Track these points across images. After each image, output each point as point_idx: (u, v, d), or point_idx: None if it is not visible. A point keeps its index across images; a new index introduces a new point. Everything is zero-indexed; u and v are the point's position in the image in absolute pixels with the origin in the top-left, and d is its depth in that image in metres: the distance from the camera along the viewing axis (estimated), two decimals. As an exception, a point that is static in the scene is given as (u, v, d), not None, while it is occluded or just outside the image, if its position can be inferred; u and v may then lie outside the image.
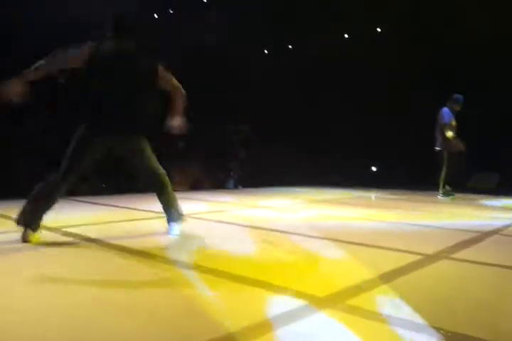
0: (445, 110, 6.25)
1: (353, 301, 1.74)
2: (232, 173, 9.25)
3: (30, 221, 2.71)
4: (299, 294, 1.80)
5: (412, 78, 7.97)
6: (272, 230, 3.36)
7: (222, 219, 3.89)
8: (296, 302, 1.71)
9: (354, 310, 1.64)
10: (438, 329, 1.48)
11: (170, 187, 3.05)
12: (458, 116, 6.30)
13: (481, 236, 3.27)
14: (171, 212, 3.08)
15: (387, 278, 2.07)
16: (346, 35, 9.40)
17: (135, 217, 3.84)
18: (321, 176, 8.92)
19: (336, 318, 1.57)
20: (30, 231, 2.70)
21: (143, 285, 1.93)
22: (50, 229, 3.17)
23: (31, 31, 6.40)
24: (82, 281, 1.96)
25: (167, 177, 3.03)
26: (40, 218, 2.75)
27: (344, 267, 2.26)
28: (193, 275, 2.07)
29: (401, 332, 1.46)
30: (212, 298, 1.75)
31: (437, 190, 6.41)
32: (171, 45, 7.68)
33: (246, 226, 3.52)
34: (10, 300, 1.71)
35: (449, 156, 6.22)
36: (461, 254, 2.65)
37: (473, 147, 6.35)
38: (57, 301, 1.70)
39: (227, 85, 9.16)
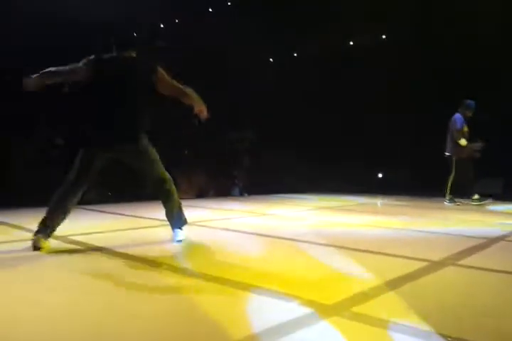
0: (457, 116, 6.22)
1: (360, 308, 1.74)
2: (237, 181, 9.25)
3: (41, 229, 2.79)
4: (305, 302, 1.81)
5: (416, 79, 7.97)
6: (277, 237, 3.36)
7: (227, 226, 3.90)
8: (302, 310, 1.72)
9: (360, 318, 1.64)
10: (445, 336, 1.48)
11: (176, 195, 3.08)
12: (470, 121, 6.29)
13: (487, 243, 3.25)
14: (175, 219, 3.10)
15: (393, 284, 2.07)
16: (351, 43, 9.44)
17: (141, 225, 3.85)
18: (327, 183, 8.92)
19: (343, 326, 1.57)
20: (42, 239, 2.76)
21: (148, 292, 1.94)
22: (57, 237, 3.19)
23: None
24: (88, 288, 1.97)
25: (173, 185, 3.06)
26: (52, 227, 2.82)
27: (350, 274, 2.26)
28: (198, 283, 2.08)
29: (408, 339, 1.46)
30: (218, 305, 1.76)
31: (444, 196, 6.39)
32: (172, 49, 7.76)
33: (252, 233, 3.53)
34: (16, 310, 1.72)
35: (459, 162, 6.19)
36: (468, 261, 2.64)
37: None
38: (64, 308, 1.71)
39: (230, 92, 9.21)
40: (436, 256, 2.70)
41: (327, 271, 2.35)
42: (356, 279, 2.16)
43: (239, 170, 9.40)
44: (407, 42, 8.16)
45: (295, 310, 1.72)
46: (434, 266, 2.48)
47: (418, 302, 1.81)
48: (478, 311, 1.75)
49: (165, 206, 3.08)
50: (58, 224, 2.85)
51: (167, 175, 3.03)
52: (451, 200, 6.31)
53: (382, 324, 1.58)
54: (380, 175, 9.46)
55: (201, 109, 2.98)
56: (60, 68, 2.88)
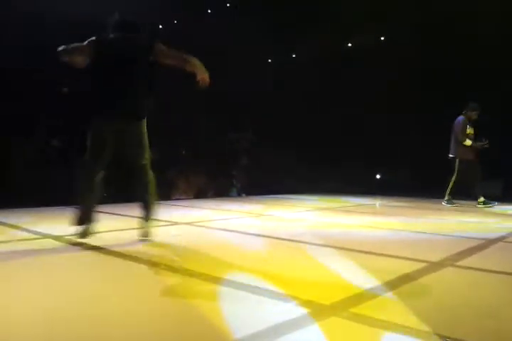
0: (460, 119, 6.23)
1: (358, 309, 1.73)
2: (235, 181, 9.24)
3: (80, 218, 2.95)
4: (303, 302, 1.79)
5: (416, 79, 7.97)
6: (276, 238, 3.34)
7: (225, 227, 3.89)
8: (300, 310, 1.70)
9: (359, 318, 1.63)
10: (444, 337, 1.46)
11: (150, 179, 3.07)
12: (476, 123, 6.27)
13: (485, 244, 3.24)
14: (147, 216, 3.07)
15: (392, 285, 2.06)
16: (350, 44, 9.43)
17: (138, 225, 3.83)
18: (326, 184, 8.91)
19: (341, 326, 1.55)
20: (84, 227, 2.93)
21: (145, 292, 1.93)
22: (55, 237, 3.18)
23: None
24: (85, 288, 1.96)
25: (150, 170, 3.07)
26: (88, 211, 2.96)
27: (349, 275, 2.24)
28: (195, 283, 2.07)
29: (406, 340, 1.45)
30: (215, 305, 1.74)
31: (443, 197, 6.38)
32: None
33: (250, 234, 3.52)
34: (11, 310, 1.71)
35: (462, 164, 6.18)
36: (467, 262, 2.63)
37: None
38: (59, 308, 1.70)
39: (230, 92, 9.20)
40: (435, 257, 2.68)
41: (325, 271, 2.33)
42: (354, 280, 2.15)
43: (237, 170, 9.40)
44: (407, 43, 8.16)
45: (293, 310, 1.70)
46: (433, 266, 2.47)
47: (417, 303, 1.80)
48: (477, 312, 1.74)
49: (137, 190, 3.07)
50: (93, 206, 2.98)
51: (147, 159, 3.05)
52: (449, 201, 6.31)
53: (381, 324, 1.56)
54: (379, 176, 9.45)
55: (203, 77, 2.98)
56: (75, 45, 2.95)
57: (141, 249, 2.82)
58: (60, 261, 2.50)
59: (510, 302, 1.90)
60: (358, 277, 2.20)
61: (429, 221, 4.63)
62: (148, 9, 7.06)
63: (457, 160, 6.24)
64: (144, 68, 3.01)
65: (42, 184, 6.10)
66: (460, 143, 6.17)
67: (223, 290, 1.97)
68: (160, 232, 3.34)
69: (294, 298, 1.84)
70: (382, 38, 9.03)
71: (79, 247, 2.85)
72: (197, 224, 3.97)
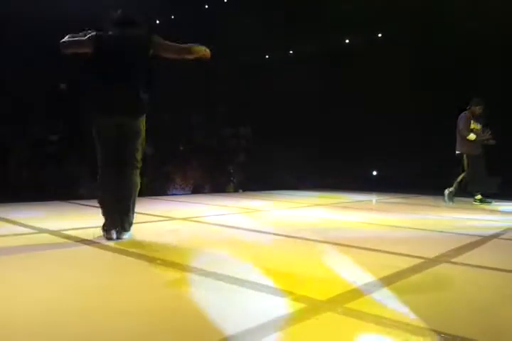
0: (462, 114, 6.22)
1: (353, 304, 1.73)
2: (232, 177, 9.24)
3: (107, 222, 2.94)
4: (299, 297, 1.80)
5: (416, 79, 7.97)
6: (272, 234, 3.35)
7: (222, 222, 3.89)
8: (296, 306, 1.71)
9: (354, 313, 1.63)
10: (439, 332, 1.47)
11: (136, 182, 3.00)
12: (483, 118, 6.27)
13: (481, 240, 3.26)
14: (123, 214, 2.98)
15: (387, 281, 2.06)
16: (347, 41, 9.42)
17: (134, 220, 3.83)
18: (324, 180, 8.92)
19: (336, 321, 1.56)
20: (112, 229, 2.91)
21: (140, 287, 1.93)
22: (51, 232, 3.18)
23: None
24: (80, 283, 1.96)
25: (138, 175, 3.02)
26: (112, 212, 2.94)
27: (345, 271, 2.25)
28: (191, 278, 2.07)
29: (402, 335, 1.45)
30: (210, 300, 1.75)
31: (442, 195, 6.33)
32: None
33: (246, 229, 3.52)
34: (8, 305, 1.71)
35: (469, 159, 6.13)
36: (462, 258, 2.64)
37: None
38: (55, 303, 1.69)
39: (229, 88, 9.19)
40: (430, 253, 2.69)
41: (321, 266, 2.34)
42: (350, 275, 2.15)
43: (235, 166, 9.39)
44: (406, 43, 8.15)
45: (289, 305, 1.71)
46: (429, 263, 2.48)
47: (412, 299, 1.80)
48: (472, 308, 1.75)
49: (119, 178, 2.97)
50: (115, 208, 2.96)
51: (138, 155, 3.00)
52: (449, 195, 6.18)
53: (376, 320, 1.57)
54: (376, 173, 9.47)
55: (205, 54, 2.99)
56: (76, 39, 2.96)
57: (136, 244, 2.82)
58: (53, 256, 2.49)
59: (504, 298, 1.91)
60: (354, 273, 2.21)
61: (425, 217, 4.65)
62: (146, 4, 7.04)
63: (464, 156, 6.20)
64: (143, 63, 2.99)
65: (38, 180, 6.10)
66: (465, 139, 6.16)
67: (218, 284, 1.97)
68: (156, 227, 3.34)
69: (290, 293, 1.85)
70: (380, 35, 9.01)
71: (73, 241, 2.85)
72: (193, 220, 3.97)
